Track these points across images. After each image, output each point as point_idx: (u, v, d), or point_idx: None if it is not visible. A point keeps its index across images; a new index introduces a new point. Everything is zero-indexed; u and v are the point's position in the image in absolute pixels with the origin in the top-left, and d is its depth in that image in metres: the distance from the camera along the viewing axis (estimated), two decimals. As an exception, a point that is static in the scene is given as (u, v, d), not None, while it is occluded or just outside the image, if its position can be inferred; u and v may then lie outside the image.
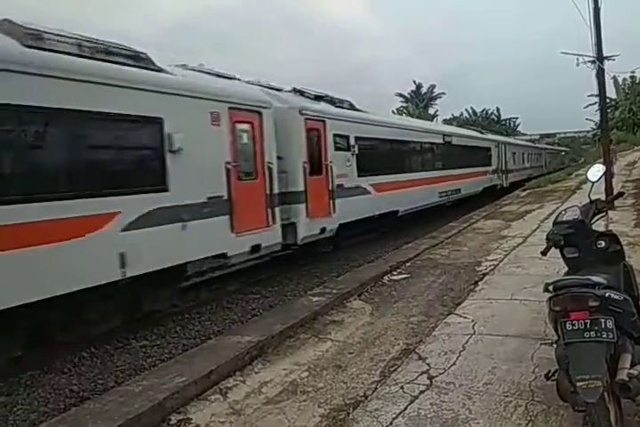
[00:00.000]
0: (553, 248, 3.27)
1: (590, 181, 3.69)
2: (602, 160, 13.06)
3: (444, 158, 16.97)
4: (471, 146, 20.35)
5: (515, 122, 64.16)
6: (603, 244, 3.20)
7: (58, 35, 5.46)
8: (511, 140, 32.51)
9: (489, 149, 22.93)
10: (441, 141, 16.95)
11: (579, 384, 2.40)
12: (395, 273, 7.54)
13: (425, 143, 15.58)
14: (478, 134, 23.64)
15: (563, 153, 56.95)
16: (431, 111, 53.62)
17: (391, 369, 4.05)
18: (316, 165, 9.51)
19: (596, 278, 2.77)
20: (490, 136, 25.48)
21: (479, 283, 6.60)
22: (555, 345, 3.00)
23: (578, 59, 13.45)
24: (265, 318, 5.64)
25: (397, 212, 12.83)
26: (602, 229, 3.71)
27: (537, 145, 42.70)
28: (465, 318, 5.21)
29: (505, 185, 24.74)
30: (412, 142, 14.63)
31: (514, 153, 28.07)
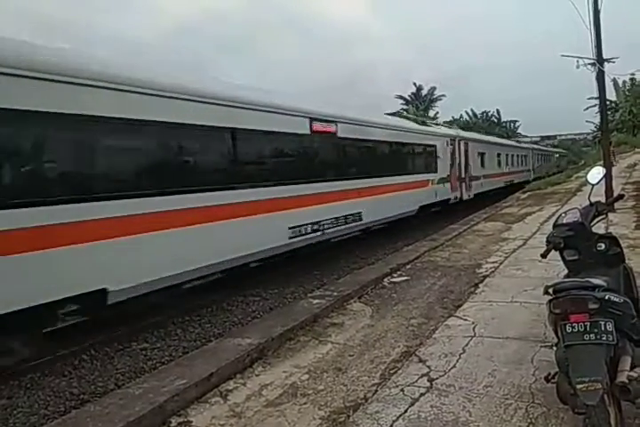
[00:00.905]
0: (553, 251, 3.28)
1: (590, 184, 3.69)
2: (602, 162, 13.07)
3: (316, 161, 9.64)
4: (389, 142, 12.77)
5: (515, 124, 64.26)
6: (603, 246, 3.21)
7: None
8: (476, 135, 23.80)
9: (433, 148, 15.71)
10: (304, 131, 9.21)
11: (579, 387, 2.40)
12: (395, 275, 7.54)
13: (244, 132, 7.63)
14: (410, 125, 15.30)
15: (557, 155, 51.42)
16: (431, 113, 53.67)
17: (391, 372, 4.05)
18: None
19: (595, 281, 2.77)
20: (437, 129, 17.59)
21: (479, 285, 6.60)
22: (555, 348, 2.99)
23: (578, 61, 13.48)
24: (265, 320, 5.64)
25: (104, 293, 5.35)
26: (602, 231, 3.71)
27: (522, 145, 35.22)
28: (465, 320, 5.21)
29: (467, 197, 18.56)
30: (189, 128, 6.66)
31: (482, 154, 21.32)
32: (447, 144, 16.94)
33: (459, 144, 18.19)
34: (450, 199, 16.92)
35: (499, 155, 24.80)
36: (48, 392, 4.87)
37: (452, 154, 17.37)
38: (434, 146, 15.75)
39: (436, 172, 15.67)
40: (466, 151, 18.92)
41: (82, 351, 5.75)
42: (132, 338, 6.19)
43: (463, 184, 18.41)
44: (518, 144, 33.83)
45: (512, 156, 28.22)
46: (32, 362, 5.30)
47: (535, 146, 41.49)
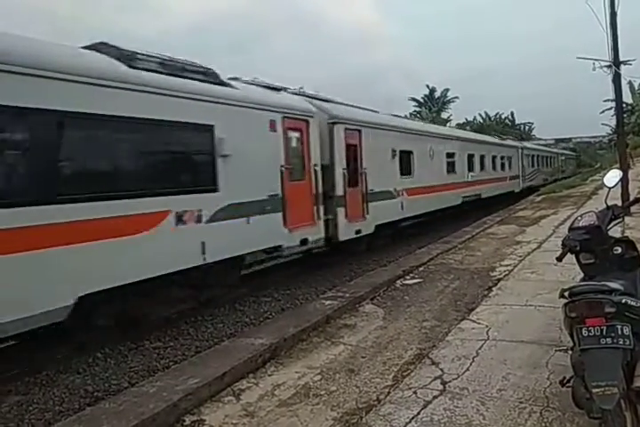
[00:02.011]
0: (569, 254, 3.25)
1: (607, 187, 3.66)
2: (618, 165, 12.95)
3: None
4: None
5: (530, 126, 63.75)
6: (619, 250, 3.18)
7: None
8: (389, 119, 13.33)
9: (205, 134, 6.87)
10: None
11: (595, 391, 2.38)
12: (407, 277, 7.52)
13: None
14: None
15: (563, 157, 42.73)
16: (444, 116, 53.42)
17: (404, 374, 4.04)
18: None
19: (612, 285, 2.75)
20: (222, 90, 7.34)
21: (493, 288, 6.56)
22: (570, 352, 2.97)
23: (594, 63, 13.36)
24: (278, 320, 5.66)
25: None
26: (618, 235, 3.68)
27: (505, 142, 24.73)
28: (479, 323, 5.18)
29: (349, 236, 9.98)
30: None
31: (406, 152, 12.66)
32: (269, 127, 8.15)
33: (331, 131, 9.66)
34: (282, 247, 8.28)
35: (451, 155, 15.90)
36: (63, 389, 4.92)
37: (298, 149, 8.86)
38: (208, 128, 6.96)
39: (212, 190, 6.95)
40: (354, 146, 10.29)
41: (96, 349, 5.80)
42: (145, 337, 6.24)
43: (340, 210, 9.65)
44: (498, 140, 23.99)
45: (483, 157, 19.12)
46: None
47: (528, 144, 31.38)
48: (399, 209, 12.05)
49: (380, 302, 6.34)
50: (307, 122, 9.05)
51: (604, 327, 2.55)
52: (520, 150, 25.95)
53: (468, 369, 4.01)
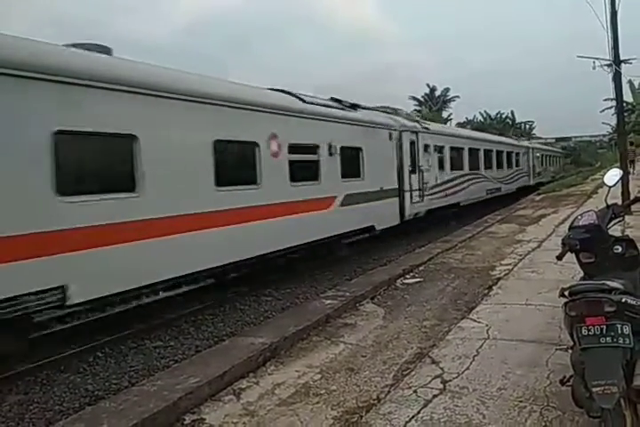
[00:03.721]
0: (569, 253, 3.25)
1: (607, 186, 3.66)
2: (619, 164, 12.94)
3: None
4: None
5: (530, 125, 63.68)
6: (619, 249, 3.17)
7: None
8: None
9: None
10: None
11: (594, 390, 2.38)
12: (408, 277, 7.52)
13: None
14: None
15: (538, 154, 29.46)
16: (445, 115, 53.38)
17: (404, 373, 4.04)
18: None
19: (612, 284, 2.75)
20: None
21: (493, 287, 6.56)
22: (570, 351, 2.97)
23: (594, 62, 13.38)
24: (278, 319, 5.66)
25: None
26: (618, 233, 3.68)
27: (341, 113, 9.88)
28: (479, 322, 5.18)
29: None
30: None
31: None
32: None
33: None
34: None
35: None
36: (63, 388, 4.92)
37: None
38: None
39: None
40: None
41: (96, 349, 5.81)
42: (146, 336, 6.24)
43: None
44: (301, 103, 8.87)
45: (178, 151, 6.11)
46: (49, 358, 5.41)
47: (436, 126, 16.99)
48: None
49: (380, 301, 6.34)
50: None
51: (604, 326, 2.55)
52: (406, 135, 12.50)
53: (468, 368, 4.01)
